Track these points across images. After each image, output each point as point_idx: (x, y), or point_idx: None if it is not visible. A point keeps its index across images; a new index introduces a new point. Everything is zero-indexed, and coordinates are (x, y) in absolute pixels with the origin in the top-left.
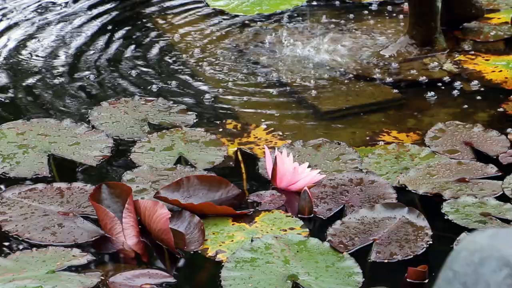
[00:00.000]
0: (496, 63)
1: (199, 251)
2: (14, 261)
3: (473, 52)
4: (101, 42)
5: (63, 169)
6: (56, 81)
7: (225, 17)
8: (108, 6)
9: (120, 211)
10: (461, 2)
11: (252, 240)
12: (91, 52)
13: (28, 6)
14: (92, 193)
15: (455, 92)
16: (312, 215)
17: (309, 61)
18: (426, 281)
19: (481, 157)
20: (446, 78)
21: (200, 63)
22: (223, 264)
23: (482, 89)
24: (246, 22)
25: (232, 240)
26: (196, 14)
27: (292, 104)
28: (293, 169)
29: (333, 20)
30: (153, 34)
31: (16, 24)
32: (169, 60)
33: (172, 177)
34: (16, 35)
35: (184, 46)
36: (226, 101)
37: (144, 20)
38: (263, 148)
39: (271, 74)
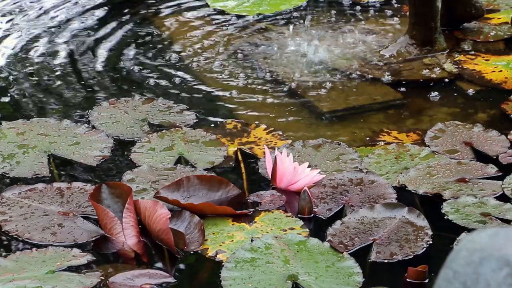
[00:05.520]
0: (496, 63)
1: (199, 251)
2: (14, 261)
3: (473, 52)
4: (100, 42)
5: (63, 169)
6: (56, 81)
7: (225, 17)
8: (107, 6)
9: (120, 211)
10: (461, 2)
11: (252, 240)
12: (90, 51)
13: (24, 10)
14: (92, 193)
15: (455, 92)
16: (312, 215)
17: (309, 61)
18: (426, 281)
19: (481, 157)
20: (446, 78)
21: (200, 63)
22: (223, 264)
23: (482, 89)
24: (246, 22)
25: (232, 240)
26: (196, 14)
27: (292, 104)
28: (293, 169)
29: (333, 20)
30: (152, 34)
31: (15, 25)
32: (169, 60)
33: (172, 177)
34: (16, 36)
35: (184, 46)
36: (226, 101)
37: (143, 20)
38: (263, 148)
39: (271, 74)
